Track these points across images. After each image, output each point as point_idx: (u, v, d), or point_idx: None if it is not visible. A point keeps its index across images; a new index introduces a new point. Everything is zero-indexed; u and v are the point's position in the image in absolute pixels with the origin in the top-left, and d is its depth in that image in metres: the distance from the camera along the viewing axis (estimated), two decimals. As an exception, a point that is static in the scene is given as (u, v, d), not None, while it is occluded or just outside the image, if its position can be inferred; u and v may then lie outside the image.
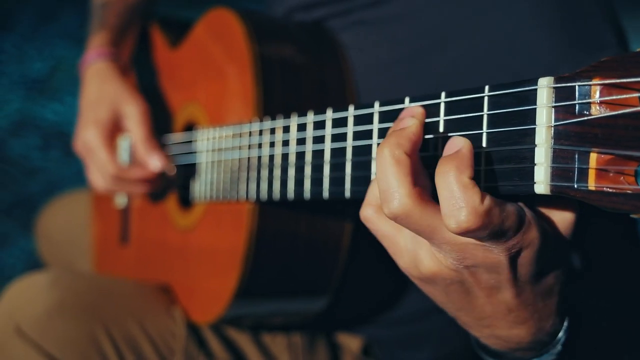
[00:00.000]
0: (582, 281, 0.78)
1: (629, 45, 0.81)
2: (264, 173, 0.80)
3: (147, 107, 1.07)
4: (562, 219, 0.57)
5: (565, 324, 0.62)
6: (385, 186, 0.54)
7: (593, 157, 0.48)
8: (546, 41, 0.78)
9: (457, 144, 0.53)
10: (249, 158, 0.83)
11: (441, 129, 0.58)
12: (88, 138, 1.06)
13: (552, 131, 0.50)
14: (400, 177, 0.53)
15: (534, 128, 0.50)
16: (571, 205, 0.56)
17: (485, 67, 0.81)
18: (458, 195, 0.50)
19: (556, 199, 0.55)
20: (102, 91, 1.09)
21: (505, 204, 0.52)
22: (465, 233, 0.51)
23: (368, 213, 0.61)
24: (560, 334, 0.62)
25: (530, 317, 0.59)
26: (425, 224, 0.53)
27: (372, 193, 0.61)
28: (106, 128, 1.07)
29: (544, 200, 0.57)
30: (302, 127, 0.74)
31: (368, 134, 0.64)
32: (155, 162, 1.03)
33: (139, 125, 1.05)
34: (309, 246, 0.90)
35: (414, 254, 0.58)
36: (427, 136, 0.59)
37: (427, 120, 0.58)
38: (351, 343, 1.06)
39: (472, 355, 1.08)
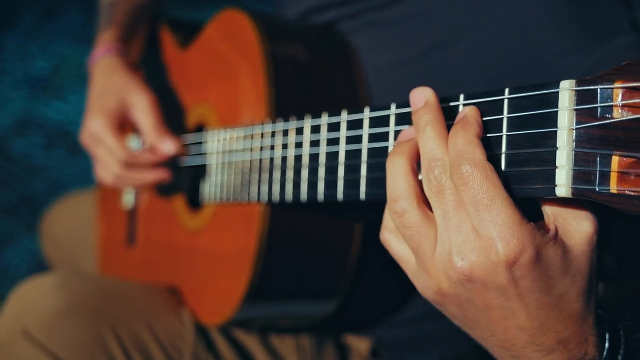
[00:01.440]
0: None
1: None
2: (276, 175, 0.79)
3: (155, 98, 1.03)
4: (579, 234, 0.53)
5: (607, 347, 0.57)
6: (393, 190, 0.57)
7: (615, 160, 0.48)
8: (555, 29, 0.77)
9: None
10: (260, 159, 0.83)
11: None
12: (94, 127, 1.02)
13: (574, 134, 0.49)
14: (411, 181, 0.56)
15: (556, 131, 0.50)
16: (589, 218, 0.53)
17: (496, 59, 0.81)
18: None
19: (575, 206, 0.54)
20: (109, 82, 1.06)
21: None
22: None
23: (385, 236, 0.61)
24: None
25: (556, 346, 0.55)
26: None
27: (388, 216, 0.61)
28: (113, 116, 1.03)
29: (561, 207, 0.54)
30: (315, 129, 0.73)
31: (384, 136, 0.64)
32: (168, 146, 0.99)
33: (148, 114, 1.01)
34: (320, 249, 0.90)
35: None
36: None
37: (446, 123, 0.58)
38: (359, 345, 1.06)
39: (479, 358, 1.08)
